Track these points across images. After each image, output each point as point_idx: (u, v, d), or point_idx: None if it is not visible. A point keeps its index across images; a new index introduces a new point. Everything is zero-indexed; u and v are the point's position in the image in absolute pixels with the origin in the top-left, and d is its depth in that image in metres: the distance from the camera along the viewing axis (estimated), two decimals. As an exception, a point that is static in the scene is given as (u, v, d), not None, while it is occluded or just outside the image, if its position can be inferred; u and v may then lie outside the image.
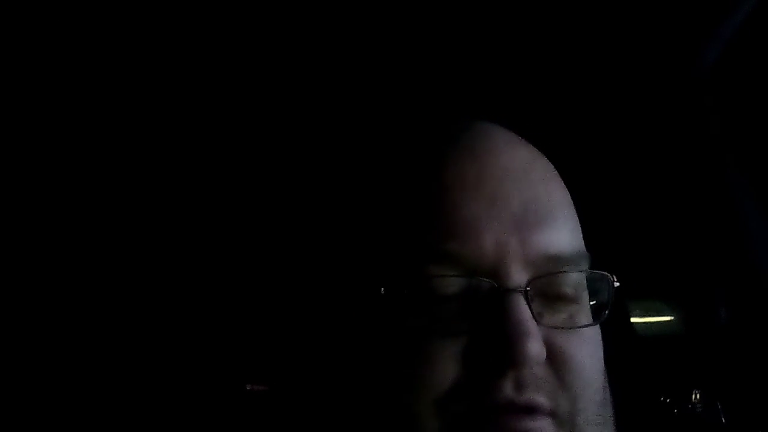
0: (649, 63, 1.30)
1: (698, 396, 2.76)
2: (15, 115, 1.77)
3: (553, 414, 0.50)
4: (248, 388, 2.61)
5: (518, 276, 0.50)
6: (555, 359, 0.50)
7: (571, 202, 0.56)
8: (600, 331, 0.55)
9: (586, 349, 0.52)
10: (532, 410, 0.49)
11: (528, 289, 0.50)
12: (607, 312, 0.53)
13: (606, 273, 0.54)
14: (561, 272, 0.52)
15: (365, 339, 0.52)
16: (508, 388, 0.48)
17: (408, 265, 0.51)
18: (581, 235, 0.56)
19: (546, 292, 0.51)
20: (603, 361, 0.54)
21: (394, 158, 0.56)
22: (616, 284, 0.54)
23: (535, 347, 0.48)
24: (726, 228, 1.24)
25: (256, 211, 2.09)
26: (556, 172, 0.56)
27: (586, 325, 0.53)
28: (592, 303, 0.54)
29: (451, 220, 0.51)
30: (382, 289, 0.51)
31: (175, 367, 2.46)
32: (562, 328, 0.51)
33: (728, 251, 1.23)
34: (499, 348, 0.48)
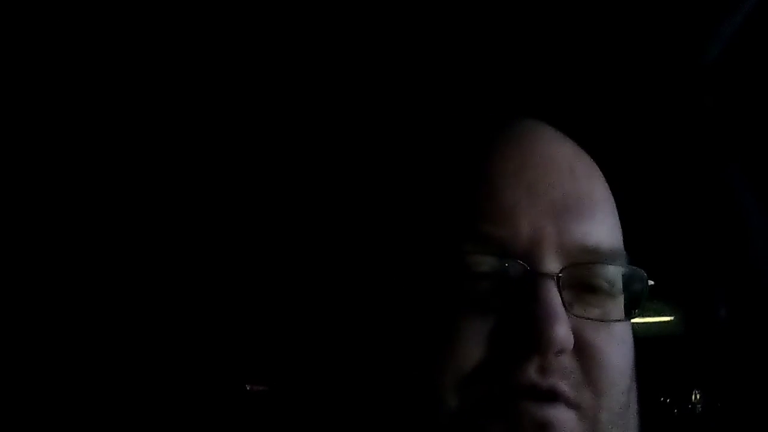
0: (649, 62, 1.30)
1: (698, 396, 2.76)
2: (15, 115, 1.77)
3: (576, 406, 0.49)
4: (248, 388, 2.62)
5: (552, 263, 0.50)
6: (582, 351, 0.50)
7: (614, 202, 0.56)
8: (631, 332, 0.55)
9: (616, 347, 0.52)
10: (554, 397, 0.48)
11: (560, 275, 0.50)
12: (638, 310, 0.53)
13: (642, 270, 0.53)
14: (596, 263, 0.52)
15: (392, 316, 0.52)
16: (532, 372, 0.48)
17: (443, 244, 0.51)
18: (620, 235, 0.56)
19: (579, 283, 0.51)
20: (632, 363, 0.53)
21: (441, 145, 0.57)
22: (650, 283, 0.54)
23: (562, 332, 0.48)
24: (726, 228, 1.24)
25: (273, 200, 2.09)
26: (599, 171, 0.57)
27: (617, 320, 0.52)
28: (625, 301, 0.54)
29: (490, 204, 0.51)
30: (415, 266, 0.51)
31: (176, 367, 2.47)
32: (593, 319, 0.51)
33: (728, 251, 1.23)
34: (526, 330, 0.48)
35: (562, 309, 0.49)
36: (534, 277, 0.49)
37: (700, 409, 2.64)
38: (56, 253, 2.18)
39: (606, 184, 0.57)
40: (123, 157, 1.94)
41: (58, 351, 2.25)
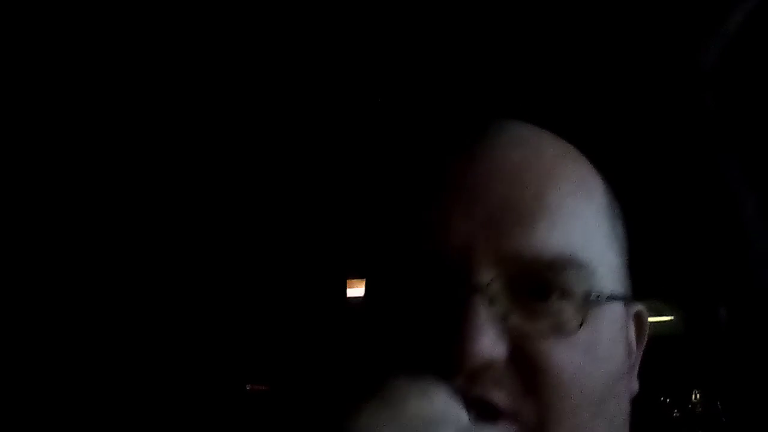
0: (650, 62, 1.30)
1: (698, 396, 2.76)
2: (16, 115, 1.77)
3: (513, 417, 0.48)
4: (248, 388, 2.62)
5: (483, 273, 0.49)
6: (521, 362, 0.49)
7: (576, 207, 0.54)
8: (614, 342, 0.53)
9: (570, 357, 0.50)
10: (484, 407, 0.47)
11: (491, 285, 0.49)
12: (587, 317, 0.50)
13: (591, 277, 0.51)
14: (538, 271, 0.50)
15: (351, 337, 0.53)
16: (458, 383, 0.47)
17: (386, 261, 0.52)
18: (574, 241, 0.54)
19: (520, 293, 0.50)
20: (611, 374, 0.51)
21: (401, 158, 0.57)
22: (610, 294, 0.51)
23: (482, 343, 0.47)
24: (726, 229, 1.24)
25: (254, 212, 2.09)
26: (569, 174, 0.55)
27: (563, 329, 0.50)
28: (575, 308, 0.51)
29: (426, 218, 0.51)
30: (378, 266, 0.52)
31: (176, 367, 2.47)
32: (534, 327, 0.49)
33: (728, 252, 1.23)
34: (449, 343, 0.47)
35: (487, 321, 0.48)
36: (461, 289, 0.48)
37: (700, 409, 2.64)
38: (57, 254, 2.18)
39: (565, 188, 0.53)
40: (124, 159, 1.94)
41: (58, 351, 2.25)
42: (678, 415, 2.72)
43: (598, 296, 0.51)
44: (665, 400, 2.72)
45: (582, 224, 0.53)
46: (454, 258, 0.49)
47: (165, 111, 1.80)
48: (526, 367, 0.49)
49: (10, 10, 1.45)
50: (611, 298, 0.51)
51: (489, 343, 0.48)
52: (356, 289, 2.21)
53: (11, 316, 2.13)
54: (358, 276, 2.17)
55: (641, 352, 0.55)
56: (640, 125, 1.36)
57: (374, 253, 0.54)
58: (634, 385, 0.54)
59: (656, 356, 0.53)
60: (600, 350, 0.51)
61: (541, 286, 0.50)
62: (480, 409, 0.47)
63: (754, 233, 1.22)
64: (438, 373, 0.47)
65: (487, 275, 0.49)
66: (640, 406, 0.56)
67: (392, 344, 0.50)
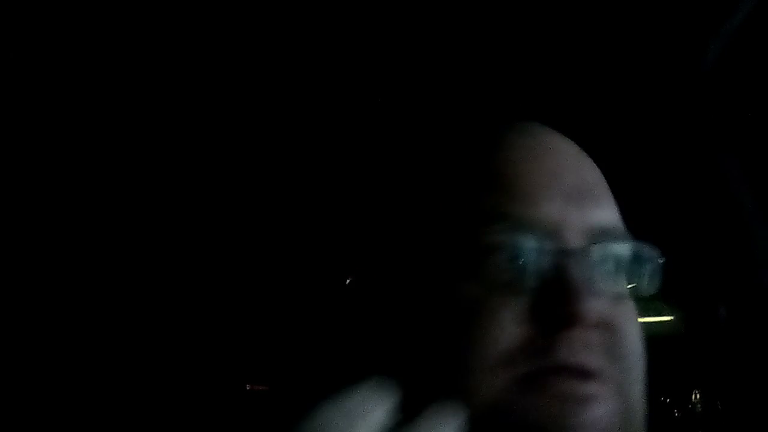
0: (651, 62, 1.31)
1: (698, 396, 2.76)
2: (16, 115, 1.77)
3: (606, 381, 0.50)
4: (248, 388, 2.62)
5: (577, 241, 0.52)
6: (607, 327, 0.51)
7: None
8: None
9: (633, 324, 0.53)
10: (584, 374, 0.49)
11: (583, 253, 0.51)
12: (653, 286, 0.55)
13: (653, 248, 0.55)
14: (613, 242, 0.53)
15: (417, 305, 0.53)
16: (565, 348, 0.48)
17: (468, 228, 0.52)
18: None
19: (600, 261, 0.52)
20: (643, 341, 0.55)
21: (460, 136, 0.58)
22: (661, 261, 0.55)
23: (591, 304, 0.49)
24: (726, 228, 1.24)
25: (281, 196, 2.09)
26: (599, 169, 0.59)
27: (635, 295, 0.53)
28: (639, 278, 0.55)
29: (514, 187, 0.52)
30: (440, 252, 0.52)
31: (176, 367, 2.47)
32: (617, 294, 0.52)
33: (728, 252, 1.23)
34: (557, 306, 0.49)
35: (593, 284, 0.50)
36: (563, 254, 0.50)
37: (700, 409, 2.64)
38: (57, 255, 2.18)
39: (603, 177, 0.59)
40: (124, 159, 1.94)
41: (59, 351, 2.25)
42: (678, 415, 2.72)
43: (658, 265, 0.55)
44: (665, 400, 2.72)
45: (617, 210, 0.57)
46: (551, 225, 0.52)
47: (164, 109, 1.80)
48: (610, 332, 0.51)
49: (10, 10, 1.45)
50: (657, 264, 0.55)
51: (595, 306, 0.49)
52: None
53: (11, 316, 2.13)
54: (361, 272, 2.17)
55: None
56: (640, 125, 1.36)
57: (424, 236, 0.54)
58: None
59: (656, 356, 0.54)
60: (637, 317, 0.55)
61: (613, 255, 0.53)
62: (580, 376, 0.48)
63: (755, 233, 1.22)
64: (539, 340, 0.48)
65: (581, 242, 0.52)
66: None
67: (479, 313, 0.50)
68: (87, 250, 2.19)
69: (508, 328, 0.49)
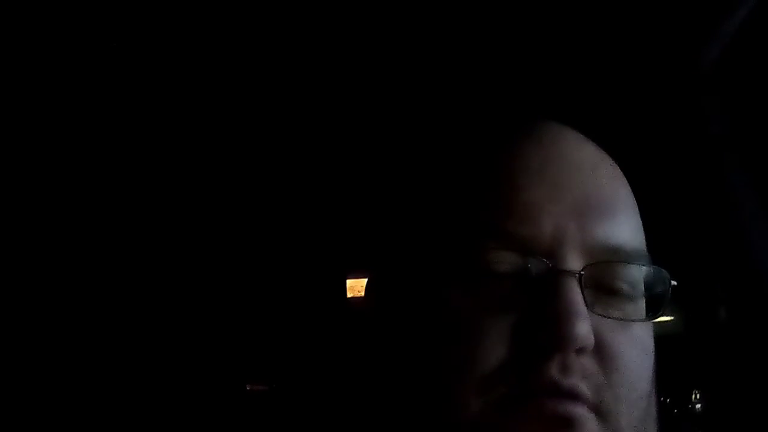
0: (650, 62, 1.30)
1: (698, 396, 2.76)
2: (16, 115, 1.77)
3: (596, 408, 0.48)
4: (248, 388, 2.62)
5: (574, 261, 0.50)
6: (602, 352, 0.49)
7: (636, 205, 0.56)
8: (652, 338, 0.54)
9: (636, 350, 0.51)
10: (575, 397, 0.47)
11: (582, 273, 0.49)
12: (661, 312, 0.53)
13: (665, 271, 0.53)
14: (617, 263, 0.51)
15: (407, 318, 0.52)
16: (553, 371, 0.47)
17: (464, 242, 0.50)
18: (643, 237, 0.55)
19: (600, 282, 0.51)
20: (652, 369, 0.53)
21: (461, 143, 0.56)
22: (673, 283, 0.53)
23: (583, 328, 0.47)
24: (726, 228, 1.24)
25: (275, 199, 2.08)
26: (621, 173, 0.56)
27: (639, 320, 0.52)
28: (647, 302, 0.53)
29: (511, 202, 0.50)
30: (434, 264, 0.51)
31: (176, 367, 2.47)
32: (614, 319, 0.50)
33: (728, 251, 1.23)
34: (547, 327, 0.47)
35: (584, 307, 0.48)
36: (556, 274, 0.49)
37: (700, 409, 2.64)
38: (57, 255, 2.18)
39: (628, 187, 0.56)
40: (123, 158, 1.94)
41: (58, 351, 2.25)
42: (678, 415, 2.72)
43: (667, 290, 0.53)
44: (665, 400, 2.72)
45: (639, 220, 0.55)
46: (547, 244, 0.50)
47: (163, 109, 1.79)
48: (605, 357, 0.49)
49: (10, 10, 1.45)
50: (672, 293, 0.53)
51: (587, 330, 0.47)
52: (356, 289, 2.21)
53: (11, 316, 2.13)
54: (358, 276, 2.17)
55: None
56: (639, 125, 1.36)
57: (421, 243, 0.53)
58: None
59: (656, 356, 0.54)
60: (649, 343, 0.53)
61: (617, 277, 0.51)
62: (570, 398, 0.47)
63: (755, 233, 1.22)
64: (529, 361, 0.47)
65: (578, 262, 0.50)
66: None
67: (469, 330, 0.48)
68: (87, 250, 2.19)
69: (494, 347, 0.48)
